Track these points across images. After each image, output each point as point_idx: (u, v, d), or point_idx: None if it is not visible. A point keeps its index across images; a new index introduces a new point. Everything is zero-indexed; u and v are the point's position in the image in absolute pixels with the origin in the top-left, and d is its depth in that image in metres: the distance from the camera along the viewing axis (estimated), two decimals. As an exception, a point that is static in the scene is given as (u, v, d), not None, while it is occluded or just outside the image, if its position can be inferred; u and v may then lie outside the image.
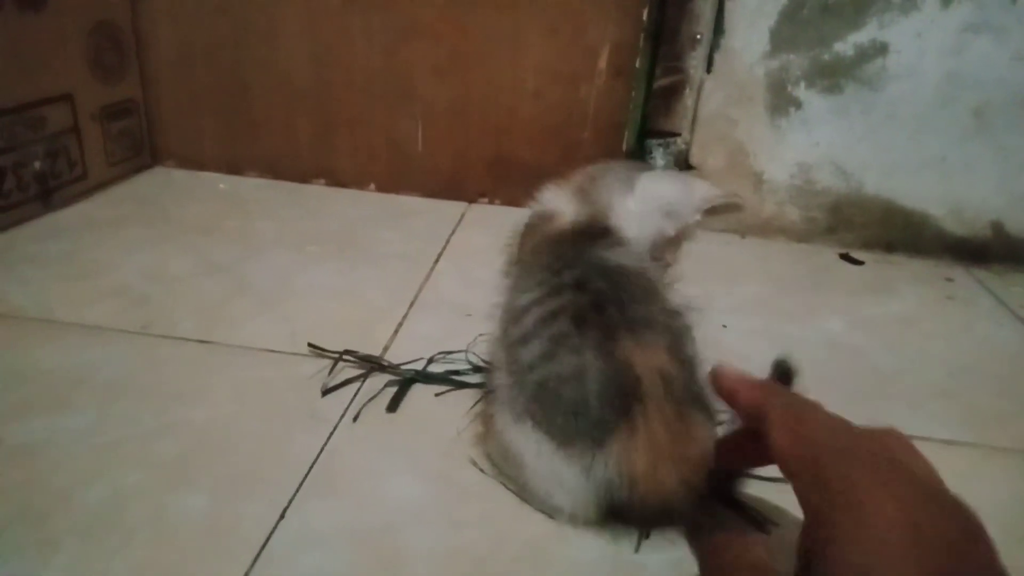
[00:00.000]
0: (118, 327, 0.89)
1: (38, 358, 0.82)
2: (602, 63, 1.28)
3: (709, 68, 1.25)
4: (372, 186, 1.41)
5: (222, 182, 1.39)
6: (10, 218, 1.13)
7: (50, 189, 1.19)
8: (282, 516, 0.62)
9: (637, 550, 0.62)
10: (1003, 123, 1.23)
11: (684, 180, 0.81)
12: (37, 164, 1.16)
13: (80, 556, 0.58)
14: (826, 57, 1.21)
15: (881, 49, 1.20)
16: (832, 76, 1.22)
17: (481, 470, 0.69)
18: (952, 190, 1.28)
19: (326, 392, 0.79)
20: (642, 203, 0.75)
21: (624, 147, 1.33)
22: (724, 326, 1.00)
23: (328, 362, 0.84)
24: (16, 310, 0.91)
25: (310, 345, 0.86)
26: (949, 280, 1.24)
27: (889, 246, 1.32)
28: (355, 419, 0.75)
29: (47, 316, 0.90)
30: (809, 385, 0.88)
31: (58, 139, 1.20)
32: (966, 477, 0.75)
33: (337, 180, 1.42)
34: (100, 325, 0.89)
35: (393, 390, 0.80)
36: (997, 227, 1.29)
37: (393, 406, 0.78)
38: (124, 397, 0.76)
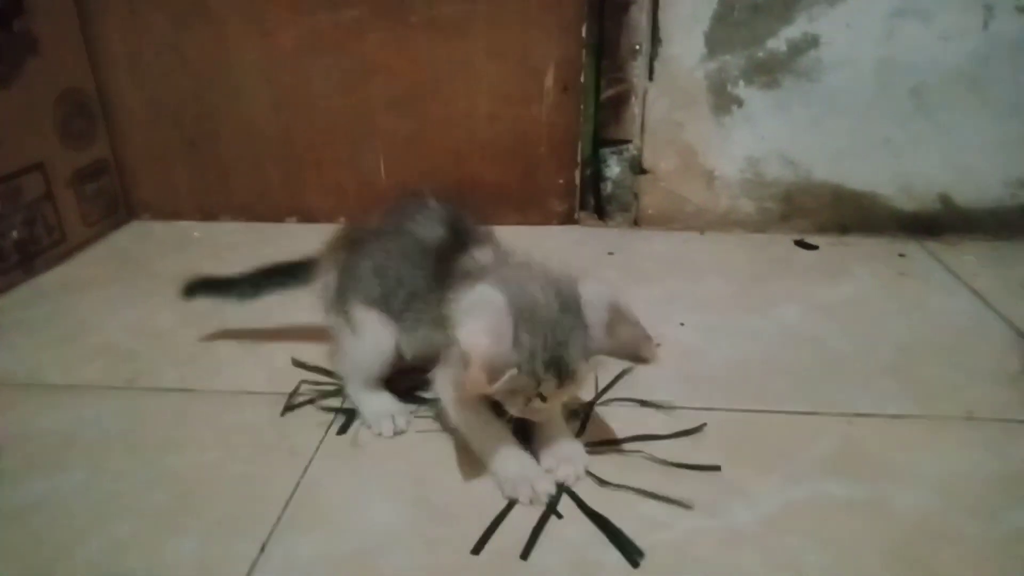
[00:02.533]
0: (106, 384, 0.94)
1: (31, 422, 0.86)
2: (549, 81, 1.33)
3: (651, 76, 1.30)
4: (342, 219, 1.45)
5: (196, 230, 1.44)
6: (-5, 288, 1.17)
7: (31, 255, 1.24)
8: (262, 550, 0.67)
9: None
10: (940, 101, 1.28)
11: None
12: (15, 233, 1.20)
13: (81, 606, 0.62)
14: (761, 55, 1.26)
15: (813, 42, 1.25)
16: (769, 72, 1.27)
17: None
18: (899, 169, 1.33)
19: (285, 411, 0.87)
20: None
21: (579, 158, 1.38)
22: (682, 324, 1.05)
23: (306, 395, 0.89)
24: (7, 376, 0.96)
25: (294, 361, 0.96)
26: (902, 256, 1.28)
27: (843, 228, 1.36)
28: (341, 431, 0.83)
29: (37, 380, 0.95)
30: (764, 374, 0.93)
31: (34, 207, 1.24)
32: (914, 449, 0.80)
33: (309, 217, 1.47)
34: (89, 384, 0.94)
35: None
36: (945, 199, 1.33)
37: (343, 429, 0.84)
38: (115, 453, 0.81)
